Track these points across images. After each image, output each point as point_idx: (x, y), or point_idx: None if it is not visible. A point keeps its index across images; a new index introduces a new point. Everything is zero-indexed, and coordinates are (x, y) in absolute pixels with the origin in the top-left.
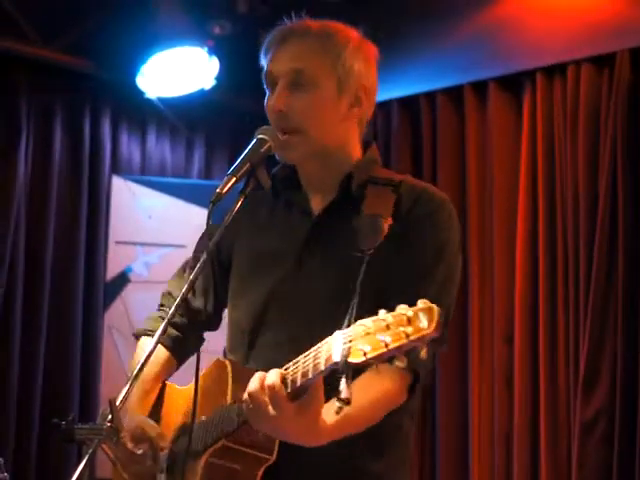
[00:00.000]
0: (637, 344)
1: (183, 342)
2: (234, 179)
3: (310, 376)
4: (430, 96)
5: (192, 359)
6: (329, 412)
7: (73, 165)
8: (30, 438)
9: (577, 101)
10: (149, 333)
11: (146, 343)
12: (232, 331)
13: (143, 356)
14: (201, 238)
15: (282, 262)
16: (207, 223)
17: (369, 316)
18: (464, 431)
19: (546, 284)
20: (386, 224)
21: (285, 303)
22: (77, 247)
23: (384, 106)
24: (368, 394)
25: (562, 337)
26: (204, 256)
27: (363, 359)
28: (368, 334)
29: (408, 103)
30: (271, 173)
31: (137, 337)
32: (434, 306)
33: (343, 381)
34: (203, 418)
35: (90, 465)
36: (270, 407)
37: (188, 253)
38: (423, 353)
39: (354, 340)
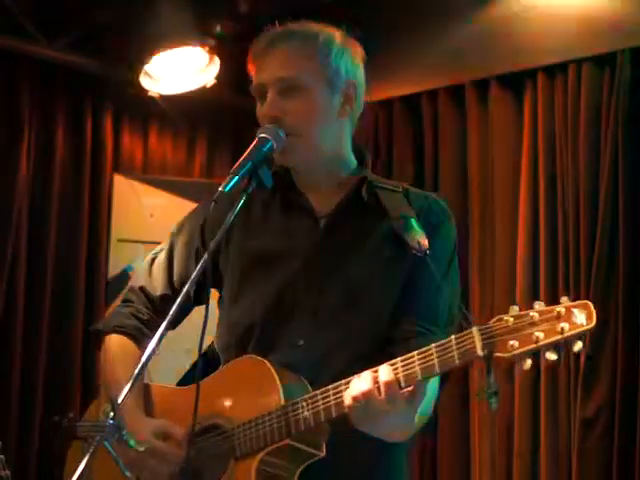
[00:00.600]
0: (637, 342)
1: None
2: (236, 178)
3: (437, 370)
4: (432, 94)
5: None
6: None
7: (75, 163)
8: (31, 437)
9: (578, 100)
10: (119, 330)
11: (118, 341)
12: (231, 329)
13: (123, 355)
14: (179, 227)
15: (287, 262)
16: (188, 216)
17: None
18: (464, 429)
19: (547, 281)
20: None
21: (299, 303)
22: (79, 245)
23: (386, 104)
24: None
25: None
26: (205, 256)
27: (511, 353)
28: (514, 330)
29: (410, 101)
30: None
31: (101, 333)
32: (589, 302)
33: (492, 376)
34: (244, 419)
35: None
36: (386, 403)
37: None
38: (578, 347)
39: (497, 336)
